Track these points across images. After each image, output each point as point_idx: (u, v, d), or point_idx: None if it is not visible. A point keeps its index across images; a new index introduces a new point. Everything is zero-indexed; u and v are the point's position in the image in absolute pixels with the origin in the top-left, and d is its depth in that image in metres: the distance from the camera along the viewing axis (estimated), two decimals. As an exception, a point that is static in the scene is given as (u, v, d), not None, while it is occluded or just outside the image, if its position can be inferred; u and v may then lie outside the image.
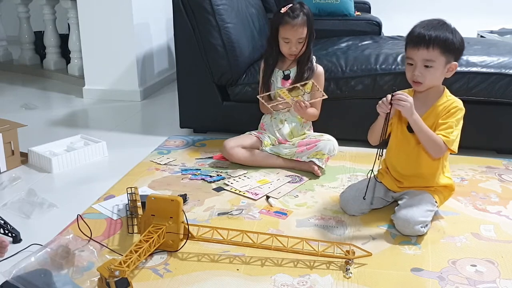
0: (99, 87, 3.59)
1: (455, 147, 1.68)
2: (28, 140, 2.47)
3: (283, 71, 2.29)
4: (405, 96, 1.64)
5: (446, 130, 1.68)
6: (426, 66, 1.66)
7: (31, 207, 1.89)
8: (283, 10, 2.18)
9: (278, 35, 2.21)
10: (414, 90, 1.78)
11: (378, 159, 1.70)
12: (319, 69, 2.31)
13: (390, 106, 1.64)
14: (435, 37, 1.63)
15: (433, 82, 1.71)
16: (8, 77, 4.28)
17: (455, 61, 1.69)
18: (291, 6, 2.18)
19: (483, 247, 1.65)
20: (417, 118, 1.66)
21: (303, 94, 2.19)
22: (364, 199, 1.81)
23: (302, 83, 2.16)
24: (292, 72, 2.29)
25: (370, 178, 1.75)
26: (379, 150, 1.70)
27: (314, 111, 2.28)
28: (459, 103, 1.73)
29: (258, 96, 2.21)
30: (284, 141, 2.34)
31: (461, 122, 1.72)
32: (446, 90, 1.76)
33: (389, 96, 1.66)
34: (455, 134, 1.68)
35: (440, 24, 1.67)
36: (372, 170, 1.73)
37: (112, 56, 3.51)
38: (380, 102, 1.68)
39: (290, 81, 2.27)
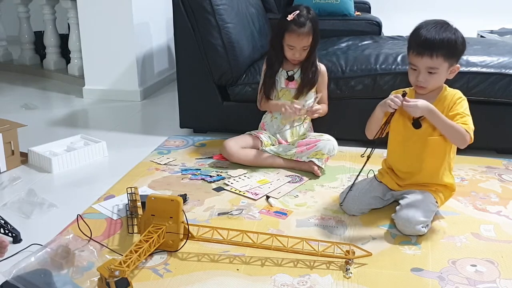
0: (99, 87, 3.60)
1: (472, 133, 1.68)
2: (28, 140, 2.47)
3: (287, 72, 2.30)
4: (414, 100, 1.64)
5: (461, 120, 1.68)
6: (430, 72, 1.67)
7: (31, 207, 1.89)
8: (290, 17, 2.15)
9: (283, 41, 2.20)
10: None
11: (367, 158, 1.71)
12: (322, 68, 2.34)
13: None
14: (439, 45, 1.62)
15: (436, 86, 1.72)
16: (8, 77, 4.27)
17: (457, 62, 1.70)
18: (298, 13, 2.16)
19: (483, 247, 1.65)
20: (434, 111, 1.65)
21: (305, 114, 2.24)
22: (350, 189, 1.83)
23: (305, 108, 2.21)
24: (296, 73, 2.30)
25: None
26: (372, 150, 1.70)
27: (324, 108, 2.30)
28: (460, 93, 1.75)
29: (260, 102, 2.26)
30: (284, 141, 2.34)
31: (469, 110, 1.72)
32: (445, 85, 1.77)
33: (398, 96, 1.66)
34: (470, 122, 1.69)
35: (443, 28, 1.66)
36: (372, 170, 1.73)
37: (112, 56, 3.51)
38: (391, 101, 1.66)
39: (294, 82, 2.29)
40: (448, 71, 1.69)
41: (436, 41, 1.63)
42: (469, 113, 1.72)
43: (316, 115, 2.23)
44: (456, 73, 1.72)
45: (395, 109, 1.67)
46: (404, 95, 1.66)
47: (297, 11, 2.17)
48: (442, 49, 1.63)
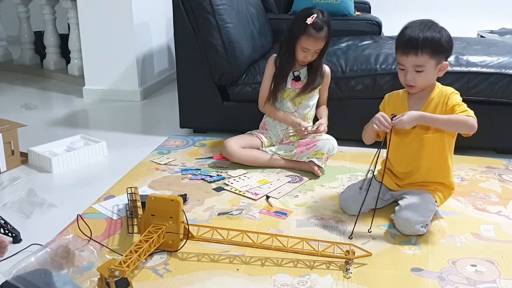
0: (99, 87, 3.60)
1: (475, 119, 1.68)
2: (28, 140, 2.47)
3: (293, 72, 2.30)
4: (400, 117, 1.64)
5: (460, 108, 1.68)
6: (417, 71, 1.68)
7: (31, 207, 1.89)
8: (309, 20, 2.14)
9: (297, 43, 2.19)
10: None
11: (376, 159, 1.70)
12: (327, 70, 2.36)
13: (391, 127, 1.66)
14: (423, 42, 1.64)
15: (425, 84, 1.73)
16: (8, 77, 4.27)
17: (445, 60, 1.70)
18: (316, 17, 2.15)
19: (483, 247, 1.65)
20: (424, 116, 1.66)
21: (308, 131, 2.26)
22: (361, 189, 1.82)
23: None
24: (302, 74, 2.30)
25: (370, 180, 1.74)
26: (378, 150, 1.70)
27: (326, 118, 2.34)
28: (452, 89, 1.75)
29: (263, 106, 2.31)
30: (285, 141, 2.34)
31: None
32: (437, 83, 1.77)
33: (386, 118, 1.66)
34: (469, 109, 1.68)
35: (428, 26, 1.67)
36: (371, 170, 1.74)
37: (112, 56, 3.51)
38: (378, 122, 1.67)
39: (300, 82, 2.29)
40: (437, 69, 1.70)
41: (420, 39, 1.64)
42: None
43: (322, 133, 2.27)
44: (445, 71, 1.72)
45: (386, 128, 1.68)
46: (392, 118, 1.66)
47: (315, 14, 2.16)
48: (427, 46, 1.65)
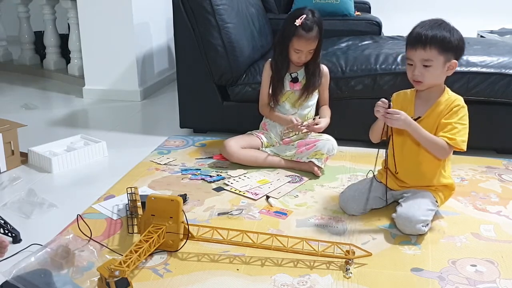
0: (99, 87, 3.60)
1: (462, 145, 1.68)
2: (28, 140, 2.47)
3: (290, 74, 2.30)
4: (396, 112, 1.65)
5: (450, 131, 1.68)
6: (425, 66, 1.68)
7: (31, 207, 1.89)
8: (298, 22, 2.14)
9: (289, 45, 2.20)
10: (416, 90, 1.79)
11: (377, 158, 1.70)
12: (325, 69, 2.35)
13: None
14: (432, 37, 1.65)
15: (433, 81, 1.71)
16: (8, 77, 4.27)
17: (455, 59, 1.70)
18: (305, 17, 2.15)
19: (483, 247, 1.65)
20: (414, 126, 1.66)
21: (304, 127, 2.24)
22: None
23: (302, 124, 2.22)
24: (300, 75, 2.30)
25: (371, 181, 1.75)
26: (378, 150, 1.71)
27: (328, 119, 2.31)
28: (460, 100, 1.74)
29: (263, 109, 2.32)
30: (285, 141, 2.33)
31: (467, 119, 1.72)
32: (447, 88, 1.77)
33: (384, 100, 1.67)
34: (462, 134, 1.68)
35: (438, 24, 1.68)
36: (371, 170, 1.74)
37: (112, 56, 3.51)
38: (378, 105, 1.69)
39: (298, 83, 2.29)
40: (445, 67, 1.70)
41: (430, 34, 1.65)
42: (465, 122, 1.71)
43: (318, 131, 2.25)
44: (454, 70, 1.72)
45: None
46: (389, 100, 1.67)
47: (304, 15, 2.16)
48: (436, 42, 1.65)
